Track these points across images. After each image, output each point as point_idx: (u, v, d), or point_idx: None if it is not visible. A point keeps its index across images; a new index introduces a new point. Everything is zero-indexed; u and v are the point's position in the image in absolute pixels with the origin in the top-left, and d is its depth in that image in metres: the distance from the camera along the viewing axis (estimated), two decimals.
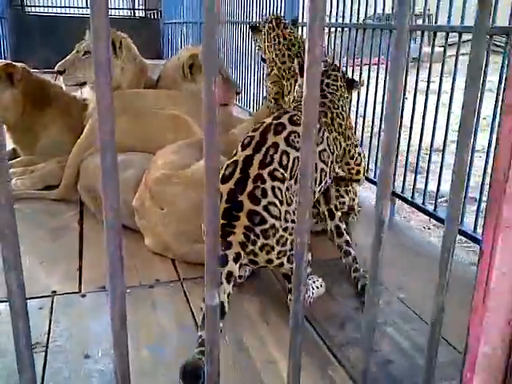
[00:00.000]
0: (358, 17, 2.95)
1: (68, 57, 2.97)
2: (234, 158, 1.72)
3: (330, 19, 3.23)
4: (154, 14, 9.73)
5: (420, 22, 2.52)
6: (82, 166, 2.58)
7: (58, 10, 9.87)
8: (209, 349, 0.62)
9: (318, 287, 1.87)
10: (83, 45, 2.99)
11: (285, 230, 1.64)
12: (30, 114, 3.01)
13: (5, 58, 7.27)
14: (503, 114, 0.62)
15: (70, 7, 9.98)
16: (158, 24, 8.82)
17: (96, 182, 2.40)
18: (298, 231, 0.61)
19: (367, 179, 3.00)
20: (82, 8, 9.71)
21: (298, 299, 0.60)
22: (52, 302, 1.78)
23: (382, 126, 2.79)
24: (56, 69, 2.94)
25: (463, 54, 2.05)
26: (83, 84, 2.99)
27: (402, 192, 2.61)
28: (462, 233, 2.22)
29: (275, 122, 1.79)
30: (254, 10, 4.52)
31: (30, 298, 1.80)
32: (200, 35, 6.50)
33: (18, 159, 3.11)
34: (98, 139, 0.55)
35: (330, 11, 3.21)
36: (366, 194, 3.17)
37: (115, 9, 10.46)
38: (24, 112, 2.99)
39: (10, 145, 3.30)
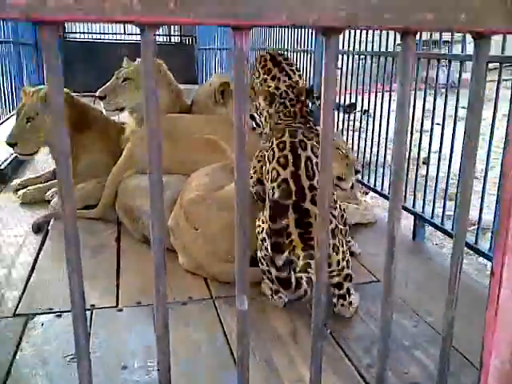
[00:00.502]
0: (387, 44, 3.02)
1: (108, 83, 3.12)
2: (282, 177, 1.93)
3: (359, 47, 3.31)
4: (189, 39, 10.02)
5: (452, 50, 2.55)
6: (120, 186, 2.69)
7: (97, 37, 10.25)
8: (240, 353, 0.68)
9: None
10: (122, 72, 3.14)
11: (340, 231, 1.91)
12: (72, 137, 3.15)
13: (40, 79, 7.59)
14: (507, 145, 0.67)
15: (107, 33, 10.36)
16: (192, 50, 9.07)
17: (134, 202, 2.50)
18: (318, 243, 0.67)
19: (383, 196, 3.04)
20: (120, 34, 10.09)
21: (319, 303, 0.66)
22: (91, 315, 1.87)
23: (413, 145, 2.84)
24: (97, 94, 3.09)
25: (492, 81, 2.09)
26: (122, 109, 3.12)
27: (431, 218, 2.62)
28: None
29: (293, 139, 2.00)
30: (286, 39, 4.65)
31: (69, 312, 1.90)
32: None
33: (55, 181, 3.26)
34: (148, 160, 0.62)
35: (360, 38, 3.30)
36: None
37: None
38: (69, 132, 3.13)
39: (51, 166, 3.46)
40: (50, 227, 2.73)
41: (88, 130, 3.20)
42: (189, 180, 2.37)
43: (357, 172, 2.43)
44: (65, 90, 3.22)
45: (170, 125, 2.82)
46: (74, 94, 3.30)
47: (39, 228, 2.68)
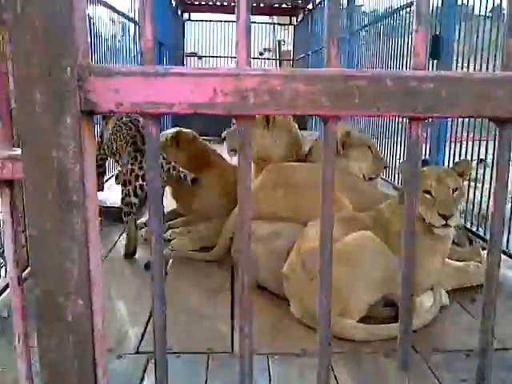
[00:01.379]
0: None
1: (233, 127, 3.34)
2: None
3: None
4: None
5: None
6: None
7: None
8: None
9: None
10: None
11: None
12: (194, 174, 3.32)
13: (166, 124, 8.24)
14: None
15: None
16: None
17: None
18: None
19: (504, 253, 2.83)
20: None
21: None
22: (208, 358, 1.92)
23: None
24: (222, 136, 3.33)
25: None
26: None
27: None
28: None
29: None
30: None
31: (187, 353, 1.97)
32: None
33: (177, 220, 3.45)
34: (321, 214, 0.64)
35: None
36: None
37: None
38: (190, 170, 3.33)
39: (169, 206, 3.65)
40: (168, 268, 2.86)
41: (207, 170, 3.35)
42: (306, 229, 2.40)
43: (444, 217, 2.24)
44: (190, 131, 3.47)
45: (288, 172, 2.88)
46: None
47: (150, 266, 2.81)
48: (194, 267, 2.85)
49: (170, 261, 2.93)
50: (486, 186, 3.04)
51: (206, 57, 11.28)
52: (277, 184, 2.76)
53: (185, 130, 3.53)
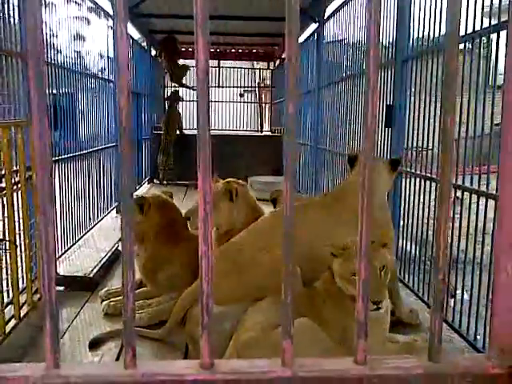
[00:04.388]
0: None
1: (195, 204, 3.38)
2: None
3: None
4: (278, 130, 10.48)
5: None
6: (190, 311, 2.74)
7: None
8: None
9: None
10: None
11: None
12: (161, 245, 3.36)
13: (145, 173, 8.36)
14: None
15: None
16: (281, 141, 9.46)
17: (196, 330, 2.55)
18: None
19: None
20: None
21: None
22: None
23: None
24: (184, 215, 3.40)
25: None
26: None
27: None
28: None
29: None
30: None
31: None
32: (318, 159, 6.89)
33: (139, 291, 3.40)
34: None
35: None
36: None
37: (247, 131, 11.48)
38: (156, 240, 3.37)
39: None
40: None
41: (178, 243, 3.37)
42: (245, 317, 2.40)
43: (374, 303, 2.27)
44: (165, 201, 3.45)
45: (236, 256, 2.85)
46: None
47: (94, 343, 2.81)
48: (145, 346, 2.81)
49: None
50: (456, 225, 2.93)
51: (189, 101, 11.43)
52: (229, 271, 2.75)
53: (160, 194, 3.58)
